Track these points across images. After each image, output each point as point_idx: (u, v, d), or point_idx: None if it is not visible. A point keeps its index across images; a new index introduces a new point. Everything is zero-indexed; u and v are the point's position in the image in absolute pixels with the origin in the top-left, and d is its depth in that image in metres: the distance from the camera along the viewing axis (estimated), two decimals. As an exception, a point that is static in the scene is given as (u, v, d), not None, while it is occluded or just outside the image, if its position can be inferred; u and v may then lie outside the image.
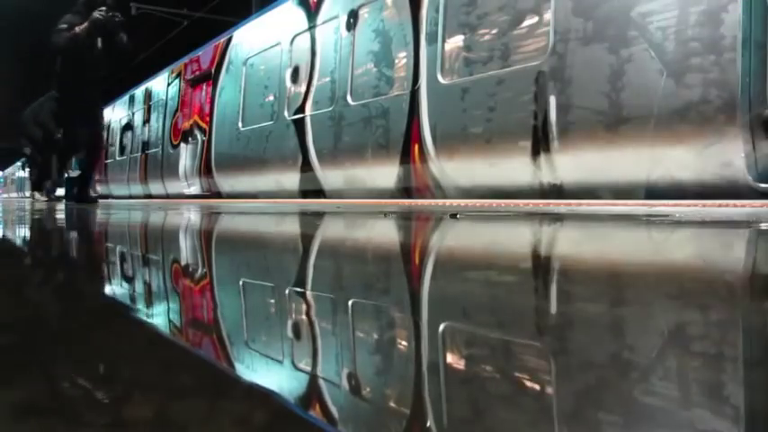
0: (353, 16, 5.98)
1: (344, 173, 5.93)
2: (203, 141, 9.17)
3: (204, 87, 9.43)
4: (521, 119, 4.09)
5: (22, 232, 2.89)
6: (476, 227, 2.56)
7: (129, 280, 1.22)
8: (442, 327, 0.70)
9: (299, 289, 1.03)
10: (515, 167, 4.13)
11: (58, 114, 6.97)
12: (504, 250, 1.73)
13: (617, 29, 3.52)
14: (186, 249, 1.96)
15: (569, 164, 3.82)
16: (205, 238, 2.37)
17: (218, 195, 8.79)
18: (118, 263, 1.58)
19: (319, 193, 6.45)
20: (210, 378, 0.52)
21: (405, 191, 5.25)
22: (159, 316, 0.84)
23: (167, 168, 10.61)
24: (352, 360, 0.56)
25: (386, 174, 5.36)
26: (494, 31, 4.45)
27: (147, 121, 12.12)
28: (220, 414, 0.40)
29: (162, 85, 11.50)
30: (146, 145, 11.95)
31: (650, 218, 2.51)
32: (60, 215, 4.46)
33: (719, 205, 2.77)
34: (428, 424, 0.39)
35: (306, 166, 6.53)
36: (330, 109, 6.16)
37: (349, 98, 5.90)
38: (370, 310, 0.82)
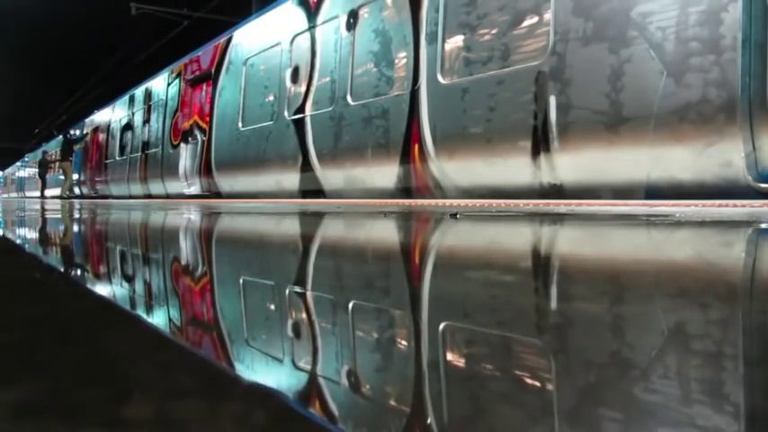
0: (353, 16, 5.98)
1: (344, 173, 5.93)
2: (203, 141, 9.17)
3: (204, 87, 9.42)
4: (521, 119, 4.08)
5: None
6: (476, 227, 2.56)
7: (129, 279, 1.22)
8: (442, 326, 0.70)
9: (299, 289, 1.03)
10: (515, 167, 4.13)
11: None
12: (504, 250, 1.73)
13: (617, 29, 3.52)
14: (190, 250, 1.96)
15: (569, 164, 3.82)
16: (206, 238, 2.37)
17: (218, 195, 8.79)
18: (119, 261, 1.58)
19: (319, 193, 6.45)
20: (214, 377, 0.52)
21: (405, 191, 5.25)
22: (166, 314, 0.84)
23: (167, 168, 10.61)
24: (353, 359, 0.56)
25: (386, 174, 5.36)
26: (494, 32, 4.45)
27: (147, 121, 12.12)
28: (222, 413, 0.40)
29: (162, 85, 11.50)
30: (146, 145, 11.95)
31: (650, 218, 2.51)
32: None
33: (719, 205, 2.77)
34: (428, 421, 0.39)
35: (306, 166, 6.53)
36: (330, 109, 6.16)
37: (349, 98, 5.90)
38: (371, 310, 0.82)
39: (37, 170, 21.61)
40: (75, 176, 17.32)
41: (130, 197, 12.67)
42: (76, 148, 16.45)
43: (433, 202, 4.76)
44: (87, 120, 17.76)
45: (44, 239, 2.50)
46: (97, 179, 15.58)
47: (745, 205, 2.69)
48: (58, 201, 12.94)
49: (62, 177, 15.77)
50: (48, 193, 19.25)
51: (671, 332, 0.65)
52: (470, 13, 4.64)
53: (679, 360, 0.53)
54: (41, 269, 1.50)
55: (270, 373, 0.53)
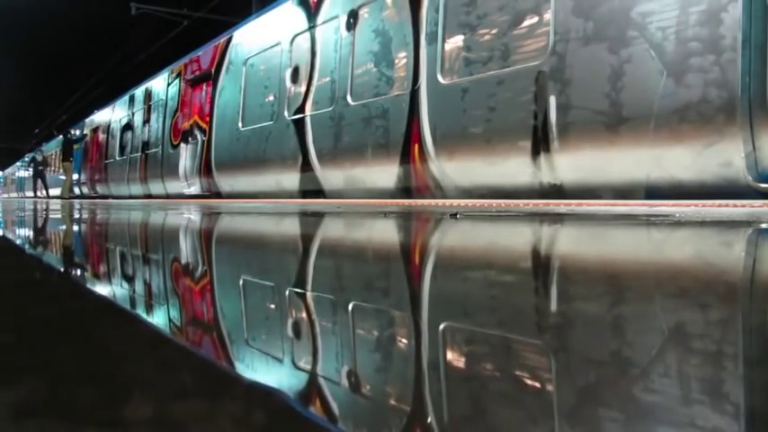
0: (353, 16, 5.98)
1: (344, 173, 5.93)
2: (203, 141, 9.17)
3: (204, 87, 9.42)
4: (521, 119, 4.08)
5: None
6: (476, 227, 2.56)
7: (129, 279, 1.22)
8: (442, 326, 0.70)
9: (299, 289, 1.03)
10: (515, 167, 4.13)
11: None
12: (505, 250, 1.73)
13: (617, 29, 3.52)
14: (190, 251, 1.96)
15: (569, 164, 3.82)
16: (206, 238, 2.37)
17: (218, 195, 8.79)
18: (121, 261, 1.58)
19: (319, 193, 6.45)
20: (214, 377, 0.52)
21: (405, 191, 5.25)
22: (166, 314, 0.84)
23: (167, 168, 10.61)
24: (353, 359, 0.56)
25: (386, 174, 5.36)
26: (494, 32, 4.45)
27: (147, 121, 12.12)
28: (222, 413, 0.40)
29: (162, 85, 11.50)
30: (146, 145, 11.96)
31: (650, 218, 2.51)
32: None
33: (719, 205, 2.77)
34: (428, 421, 0.39)
35: (306, 166, 6.53)
36: (330, 109, 6.16)
37: (349, 98, 5.90)
38: (371, 310, 0.82)
39: (32, 170, 20.98)
40: (75, 176, 17.34)
41: (130, 197, 12.67)
42: (76, 148, 16.47)
43: (433, 202, 4.76)
44: (87, 120, 17.76)
45: (44, 240, 2.50)
46: (97, 179, 15.58)
47: (745, 205, 2.69)
48: (57, 201, 12.95)
49: (62, 177, 15.75)
50: (42, 193, 19.16)
51: (671, 332, 0.65)
52: (470, 13, 4.64)
53: (679, 360, 0.53)
54: (41, 269, 1.50)
55: (270, 372, 0.53)
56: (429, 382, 0.48)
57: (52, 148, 21.79)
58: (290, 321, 0.77)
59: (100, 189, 15.36)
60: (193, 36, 13.24)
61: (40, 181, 19.30)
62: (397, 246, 1.93)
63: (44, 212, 5.15)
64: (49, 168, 20.51)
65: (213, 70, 9.17)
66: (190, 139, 9.75)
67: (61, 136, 17.62)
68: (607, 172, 3.62)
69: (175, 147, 10.32)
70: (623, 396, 0.43)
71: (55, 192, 18.41)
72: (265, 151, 7.40)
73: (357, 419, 0.42)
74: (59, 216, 4.41)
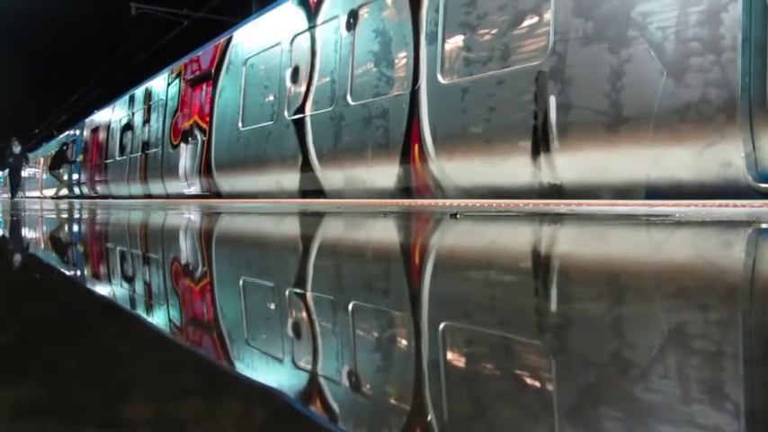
0: (353, 16, 5.98)
1: (344, 173, 5.93)
2: (203, 141, 9.17)
3: (204, 87, 9.42)
4: (521, 119, 4.08)
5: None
6: (476, 227, 2.56)
7: (129, 279, 1.22)
8: (442, 326, 0.70)
9: (299, 289, 1.03)
10: (515, 167, 4.13)
11: None
12: (505, 250, 1.73)
13: (617, 29, 3.52)
14: (190, 250, 1.96)
15: (569, 164, 3.82)
16: (206, 238, 2.37)
17: (218, 195, 8.79)
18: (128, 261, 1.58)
19: (319, 193, 6.45)
20: (214, 377, 0.52)
21: (405, 191, 5.25)
22: (166, 314, 0.84)
23: (167, 168, 10.61)
24: (353, 359, 0.56)
25: (386, 174, 5.36)
26: (494, 32, 4.45)
27: (147, 121, 12.12)
28: (222, 413, 0.40)
29: (162, 85, 11.50)
30: (146, 145, 11.96)
31: (650, 218, 2.51)
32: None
33: (719, 205, 2.77)
34: (428, 420, 0.39)
35: (306, 166, 6.53)
36: (330, 109, 6.16)
37: (349, 98, 5.90)
38: (371, 310, 0.82)
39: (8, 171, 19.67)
40: (75, 176, 17.38)
41: (130, 197, 12.67)
42: (71, 156, 16.64)
43: (433, 202, 4.76)
44: (87, 120, 17.75)
45: (44, 239, 2.50)
46: (97, 179, 15.58)
47: (745, 205, 2.69)
48: (56, 201, 12.95)
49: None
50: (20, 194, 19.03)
51: (671, 332, 0.65)
52: (470, 13, 4.64)
53: (679, 360, 0.53)
54: (41, 269, 1.50)
55: (270, 372, 0.53)
56: (429, 382, 0.48)
57: (43, 151, 21.72)
58: (290, 321, 0.77)
59: (100, 189, 15.35)
60: (193, 36, 13.24)
61: (18, 180, 17.51)
62: (397, 246, 1.93)
63: (44, 212, 5.16)
64: (24, 169, 19.85)
65: (213, 70, 9.17)
66: (190, 139, 9.75)
67: (58, 146, 17.67)
68: (607, 172, 3.62)
69: (175, 147, 10.32)
70: (623, 396, 0.43)
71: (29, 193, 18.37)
72: (265, 151, 7.41)
73: (357, 419, 0.42)
74: (60, 216, 4.41)
